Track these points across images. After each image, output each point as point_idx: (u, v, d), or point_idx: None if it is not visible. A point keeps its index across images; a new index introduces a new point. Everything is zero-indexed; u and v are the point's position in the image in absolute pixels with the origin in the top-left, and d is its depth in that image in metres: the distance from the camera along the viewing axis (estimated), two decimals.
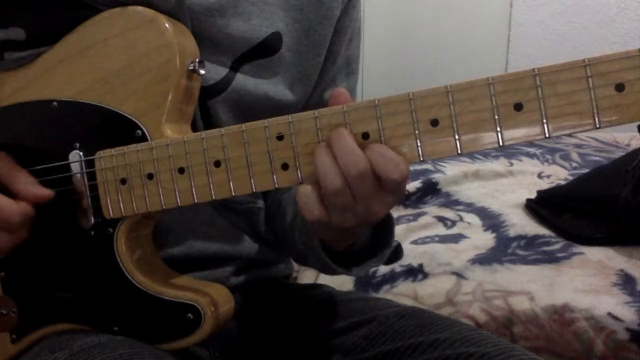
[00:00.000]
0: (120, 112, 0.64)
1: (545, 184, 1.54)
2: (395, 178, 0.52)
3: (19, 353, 0.70)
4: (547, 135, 0.49)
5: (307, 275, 1.16)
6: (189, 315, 0.63)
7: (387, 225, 0.69)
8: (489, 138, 0.51)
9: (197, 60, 0.64)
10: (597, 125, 0.48)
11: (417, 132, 0.52)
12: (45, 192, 0.65)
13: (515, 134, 0.50)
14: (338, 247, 0.66)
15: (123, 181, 0.63)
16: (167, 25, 0.63)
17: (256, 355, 0.79)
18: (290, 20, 0.73)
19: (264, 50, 0.72)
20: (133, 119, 0.63)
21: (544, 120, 0.49)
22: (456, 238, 1.28)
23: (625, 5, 2.39)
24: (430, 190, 1.58)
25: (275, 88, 0.74)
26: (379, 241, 0.69)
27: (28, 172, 0.67)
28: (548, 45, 2.47)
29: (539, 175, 1.63)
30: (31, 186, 0.65)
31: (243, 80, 0.72)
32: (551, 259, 1.13)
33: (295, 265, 1.04)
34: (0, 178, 0.66)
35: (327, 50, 0.77)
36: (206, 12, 0.68)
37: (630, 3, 2.38)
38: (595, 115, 0.47)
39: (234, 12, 0.70)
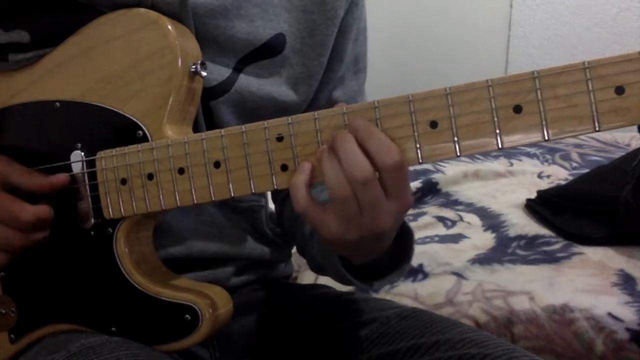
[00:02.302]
0: (122, 113, 0.64)
1: (545, 184, 1.54)
2: (389, 164, 0.52)
3: (17, 353, 0.70)
4: (546, 138, 0.49)
5: (307, 276, 1.16)
6: (187, 316, 0.63)
7: (406, 239, 0.68)
8: (488, 141, 0.50)
9: (199, 62, 0.64)
10: (597, 129, 0.47)
11: (416, 134, 0.52)
12: (46, 180, 0.65)
13: (514, 136, 0.50)
14: (356, 261, 0.65)
15: (123, 181, 0.63)
16: (169, 27, 0.63)
17: (256, 355, 0.79)
18: (294, 21, 0.73)
19: (267, 52, 0.72)
20: (134, 120, 0.64)
21: (544, 123, 0.49)
22: (456, 238, 1.28)
23: (625, 5, 2.38)
24: (430, 190, 1.58)
25: (279, 89, 0.74)
26: (399, 255, 0.68)
27: (27, 168, 0.67)
28: (548, 45, 2.47)
29: (539, 175, 1.63)
30: (35, 177, 0.66)
31: (246, 81, 0.72)
32: (551, 259, 1.13)
33: (296, 266, 1.04)
34: (6, 178, 0.66)
35: (333, 50, 0.77)
36: (209, 14, 0.68)
37: (630, 3, 2.38)
38: (595, 119, 0.47)
39: (237, 14, 0.70)
